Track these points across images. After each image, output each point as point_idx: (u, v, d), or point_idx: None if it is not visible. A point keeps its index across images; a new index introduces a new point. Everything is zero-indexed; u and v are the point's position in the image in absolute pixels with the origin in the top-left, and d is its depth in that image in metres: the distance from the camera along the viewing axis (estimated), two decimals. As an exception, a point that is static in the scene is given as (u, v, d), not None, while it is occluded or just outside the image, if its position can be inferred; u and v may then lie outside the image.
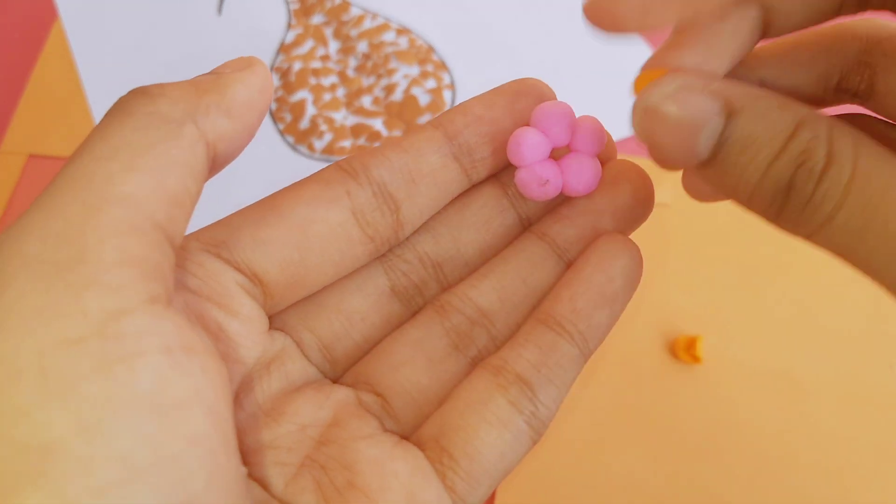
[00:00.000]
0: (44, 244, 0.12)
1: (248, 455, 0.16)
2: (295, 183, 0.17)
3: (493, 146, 0.18)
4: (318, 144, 0.38)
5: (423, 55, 0.41)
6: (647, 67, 0.16)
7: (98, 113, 0.38)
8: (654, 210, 0.19)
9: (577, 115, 0.18)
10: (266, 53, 0.41)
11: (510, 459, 0.16)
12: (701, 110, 0.14)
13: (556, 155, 0.18)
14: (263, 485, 0.16)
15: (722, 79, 0.14)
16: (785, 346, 0.32)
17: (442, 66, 0.41)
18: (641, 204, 0.18)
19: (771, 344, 0.32)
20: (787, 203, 0.13)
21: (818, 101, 0.17)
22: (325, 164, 0.37)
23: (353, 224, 0.17)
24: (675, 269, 0.34)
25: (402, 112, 0.39)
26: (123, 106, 0.14)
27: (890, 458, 0.30)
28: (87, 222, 0.12)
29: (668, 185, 0.35)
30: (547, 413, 0.17)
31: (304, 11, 0.43)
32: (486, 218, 0.19)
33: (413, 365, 0.17)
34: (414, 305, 0.19)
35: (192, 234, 0.17)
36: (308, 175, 0.18)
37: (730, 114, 0.14)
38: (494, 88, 0.19)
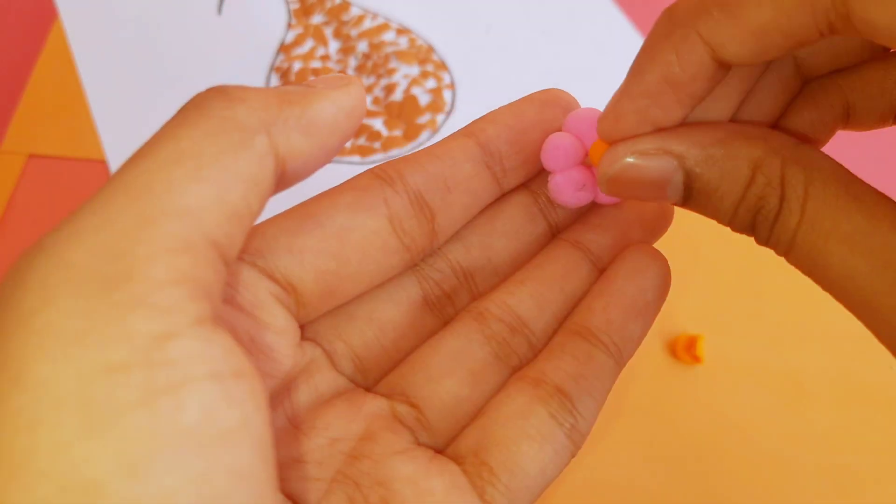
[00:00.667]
0: (91, 256, 0.11)
1: (279, 470, 0.15)
2: (329, 190, 0.17)
3: (524, 155, 0.18)
4: (318, 144, 0.38)
5: (423, 55, 0.41)
6: (602, 123, 0.16)
7: (98, 113, 0.38)
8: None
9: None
10: (266, 53, 0.41)
11: (550, 473, 0.16)
12: (659, 171, 0.15)
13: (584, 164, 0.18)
14: (295, 502, 0.15)
15: (677, 129, 0.15)
16: (785, 346, 0.32)
17: (442, 66, 0.41)
18: (664, 216, 0.19)
19: (771, 344, 0.32)
20: (754, 237, 0.15)
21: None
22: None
23: (390, 232, 0.17)
24: (675, 269, 0.34)
25: (402, 112, 0.39)
26: (200, 105, 0.13)
27: (890, 459, 0.30)
28: (139, 235, 0.11)
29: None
30: (586, 425, 0.16)
31: (304, 11, 0.43)
32: (517, 227, 0.19)
33: (453, 376, 0.17)
34: (445, 315, 0.18)
35: None
36: (340, 182, 0.17)
37: (687, 170, 0.15)
38: (522, 98, 0.19)
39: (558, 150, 0.18)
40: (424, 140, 0.38)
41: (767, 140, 0.14)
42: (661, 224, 0.19)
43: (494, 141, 0.18)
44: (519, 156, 0.18)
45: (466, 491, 0.15)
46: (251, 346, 0.15)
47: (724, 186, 0.14)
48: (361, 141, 0.38)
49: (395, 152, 0.38)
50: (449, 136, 0.18)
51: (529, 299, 0.18)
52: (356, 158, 0.38)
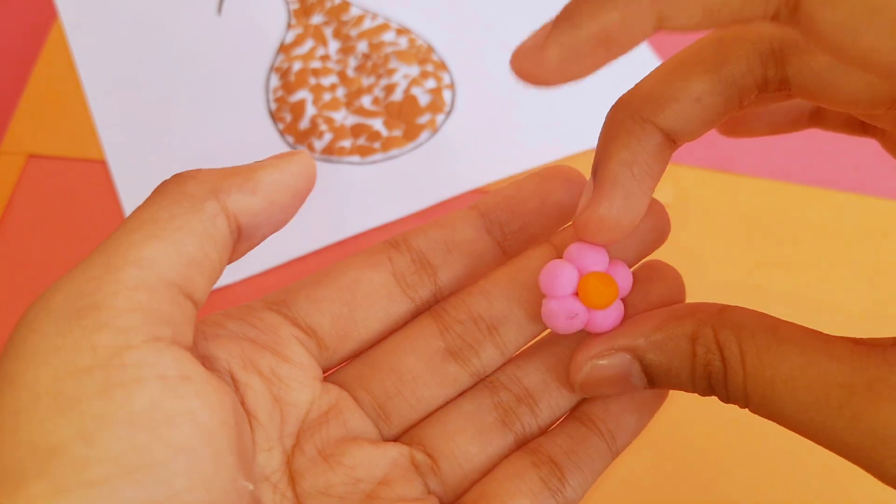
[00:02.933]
0: (67, 297, 0.14)
1: (304, 498, 0.18)
2: (347, 257, 0.21)
3: (522, 221, 0.21)
4: (318, 144, 0.38)
5: (423, 55, 0.41)
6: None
7: (98, 113, 0.38)
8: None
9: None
10: (266, 53, 0.41)
11: None
12: (618, 367, 0.18)
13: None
14: None
15: (621, 328, 0.18)
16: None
17: (442, 66, 0.41)
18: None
19: (771, 344, 0.32)
20: (720, 399, 0.17)
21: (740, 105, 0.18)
22: (324, 165, 0.37)
23: (394, 284, 0.20)
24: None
25: (402, 112, 0.39)
26: (160, 187, 0.17)
27: (890, 459, 0.30)
28: (105, 279, 0.15)
29: (668, 185, 0.35)
30: (573, 495, 0.19)
31: (304, 11, 0.43)
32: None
33: (464, 433, 0.19)
34: (469, 365, 0.20)
35: (261, 297, 0.20)
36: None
37: (640, 359, 0.18)
38: (526, 175, 0.21)
39: (555, 278, 0.18)
40: (424, 140, 0.38)
41: (695, 314, 0.17)
42: None
43: (494, 210, 0.21)
44: (517, 222, 0.21)
45: None
46: (272, 377, 0.18)
47: (675, 364, 0.17)
48: (361, 141, 0.38)
49: (395, 152, 0.38)
50: (456, 210, 0.21)
51: (535, 373, 0.20)
52: (356, 158, 0.38)
